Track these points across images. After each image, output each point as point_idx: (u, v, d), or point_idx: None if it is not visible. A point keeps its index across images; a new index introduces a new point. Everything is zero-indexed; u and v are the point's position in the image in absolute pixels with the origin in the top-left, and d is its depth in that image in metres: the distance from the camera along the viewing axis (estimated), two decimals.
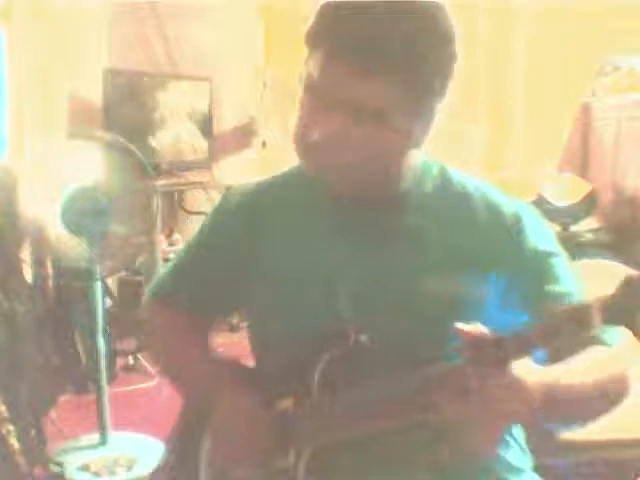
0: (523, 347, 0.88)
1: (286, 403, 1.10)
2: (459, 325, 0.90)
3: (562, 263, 1.11)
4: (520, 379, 0.90)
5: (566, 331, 0.86)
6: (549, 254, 1.10)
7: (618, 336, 1.07)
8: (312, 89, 1.00)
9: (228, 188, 1.28)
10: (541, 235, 1.11)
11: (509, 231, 1.09)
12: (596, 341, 1.05)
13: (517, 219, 1.10)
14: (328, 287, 1.09)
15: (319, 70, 0.98)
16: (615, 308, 0.84)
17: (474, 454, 0.96)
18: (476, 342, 0.89)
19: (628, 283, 0.85)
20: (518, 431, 1.18)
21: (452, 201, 1.11)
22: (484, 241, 1.08)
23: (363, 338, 1.05)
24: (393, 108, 0.98)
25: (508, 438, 1.14)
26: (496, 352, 0.88)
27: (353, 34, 0.95)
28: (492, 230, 1.09)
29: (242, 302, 1.25)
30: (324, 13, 0.99)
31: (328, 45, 0.97)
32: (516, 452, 1.15)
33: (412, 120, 1.01)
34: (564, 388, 0.95)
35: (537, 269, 1.09)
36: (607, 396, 1.04)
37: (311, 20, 1.01)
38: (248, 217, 1.19)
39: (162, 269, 1.35)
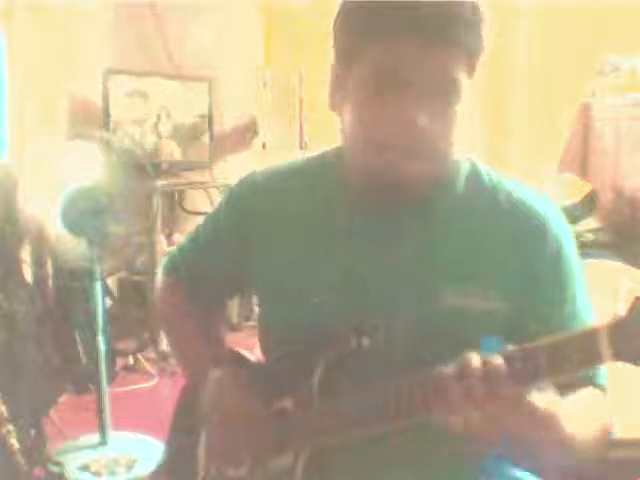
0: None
1: (286, 403, 1.10)
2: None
3: (582, 295, 1.08)
4: (532, 401, 0.88)
5: (573, 361, 0.84)
6: (569, 284, 1.07)
7: (606, 376, 1.07)
8: (383, 82, 0.97)
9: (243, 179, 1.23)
10: (565, 261, 1.06)
11: (532, 253, 1.05)
12: (590, 381, 1.05)
13: (543, 238, 1.05)
14: (340, 288, 1.08)
15: (389, 61, 0.96)
16: (624, 334, 0.81)
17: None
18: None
19: (637, 305, 0.81)
20: None
21: (479, 209, 1.07)
22: (504, 258, 1.04)
23: (365, 341, 1.04)
24: (462, 78, 0.97)
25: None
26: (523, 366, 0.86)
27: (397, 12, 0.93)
28: (514, 247, 1.05)
29: (247, 288, 1.29)
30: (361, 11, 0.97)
31: (385, 34, 0.95)
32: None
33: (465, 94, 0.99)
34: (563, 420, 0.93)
35: (554, 297, 1.06)
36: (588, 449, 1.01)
37: (349, 24, 0.99)
38: (264, 210, 1.15)
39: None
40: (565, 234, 1.07)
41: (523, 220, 1.05)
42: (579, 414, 0.97)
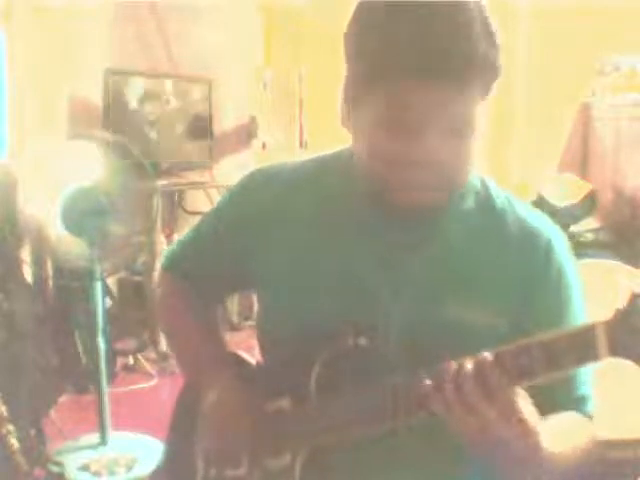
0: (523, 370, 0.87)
1: (283, 402, 1.10)
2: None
3: (580, 313, 1.08)
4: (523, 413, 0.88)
5: (570, 357, 0.85)
6: (569, 308, 1.07)
7: (593, 404, 1.07)
8: (402, 116, 0.95)
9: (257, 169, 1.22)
10: (566, 287, 1.08)
11: (535, 275, 1.06)
12: (580, 404, 1.06)
13: (547, 256, 1.07)
14: (340, 288, 1.08)
15: (409, 97, 0.94)
16: (621, 330, 0.81)
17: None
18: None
19: (634, 301, 0.81)
20: None
21: (487, 224, 1.09)
22: (506, 277, 1.06)
23: (362, 341, 1.04)
24: (476, 111, 0.97)
25: None
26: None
27: (425, 47, 0.91)
28: (518, 268, 1.06)
29: (247, 286, 1.26)
30: (391, 41, 0.94)
31: (407, 70, 0.93)
32: None
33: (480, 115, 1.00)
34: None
35: (553, 319, 1.05)
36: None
37: (375, 48, 0.95)
38: (268, 208, 1.14)
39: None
40: (568, 260, 1.09)
41: (529, 243, 1.07)
42: (556, 433, 0.97)
